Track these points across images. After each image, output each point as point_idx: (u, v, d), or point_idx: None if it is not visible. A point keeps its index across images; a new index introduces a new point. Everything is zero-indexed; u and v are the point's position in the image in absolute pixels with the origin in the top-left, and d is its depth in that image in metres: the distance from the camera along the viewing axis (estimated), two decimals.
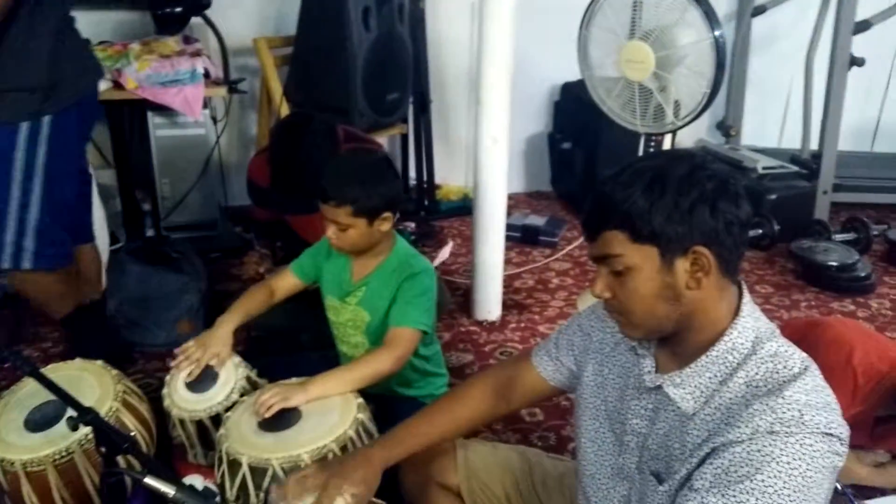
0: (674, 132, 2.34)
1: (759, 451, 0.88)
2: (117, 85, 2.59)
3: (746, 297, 1.01)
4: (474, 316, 2.55)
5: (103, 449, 1.21)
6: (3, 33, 1.71)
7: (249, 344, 2.19)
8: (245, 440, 1.44)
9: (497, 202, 2.42)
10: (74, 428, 1.22)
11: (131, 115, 2.88)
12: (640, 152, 2.44)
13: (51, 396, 1.54)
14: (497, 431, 1.96)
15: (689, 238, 0.93)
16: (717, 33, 2.06)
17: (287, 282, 1.82)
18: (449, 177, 3.71)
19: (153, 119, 2.79)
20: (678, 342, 1.02)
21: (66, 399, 1.25)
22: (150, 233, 2.99)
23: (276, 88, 2.94)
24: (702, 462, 0.94)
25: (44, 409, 1.52)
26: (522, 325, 2.54)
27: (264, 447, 1.41)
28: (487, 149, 2.35)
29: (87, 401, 1.51)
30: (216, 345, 1.66)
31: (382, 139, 3.27)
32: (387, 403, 1.73)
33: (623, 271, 0.97)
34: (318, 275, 1.81)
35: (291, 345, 2.32)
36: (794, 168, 3.30)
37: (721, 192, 0.93)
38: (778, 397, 0.90)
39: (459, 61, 3.59)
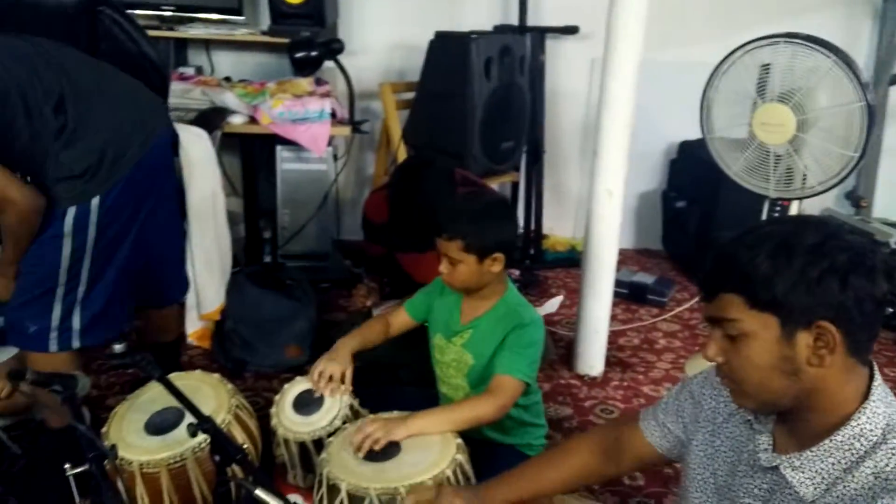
0: (801, 199, 2.24)
1: None
2: (252, 120, 2.78)
3: (878, 379, 0.93)
4: (576, 370, 2.50)
5: (217, 457, 1.27)
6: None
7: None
8: (345, 467, 1.46)
9: (608, 255, 2.38)
10: (193, 434, 1.29)
11: (262, 149, 3.07)
12: (764, 217, 2.34)
13: (171, 403, 1.64)
14: (595, 492, 1.89)
15: (813, 311, 0.87)
16: (869, 97, 1.97)
17: (401, 318, 1.86)
18: (556, 227, 3.69)
19: (281, 153, 2.96)
20: (798, 421, 0.96)
21: (188, 406, 1.32)
22: (267, 259, 3.15)
23: (396, 131, 3.06)
24: None
25: (164, 414, 1.61)
26: (625, 383, 2.46)
27: (363, 476, 1.42)
28: (602, 201, 2.33)
29: (203, 409, 1.60)
30: (342, 361, 1.71)
31: (494, 186, 3.30)
32: (483, 449, 1.70)
33: (738, 337, 0.92)
34: (428, 314, 1.84)
35: (390, 379, 2.35)
36: None
37: (855, 265, 0.87)
38: None
39: (575, 114, 3.61)
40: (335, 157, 3.19)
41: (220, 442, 1.25)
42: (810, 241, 0.88)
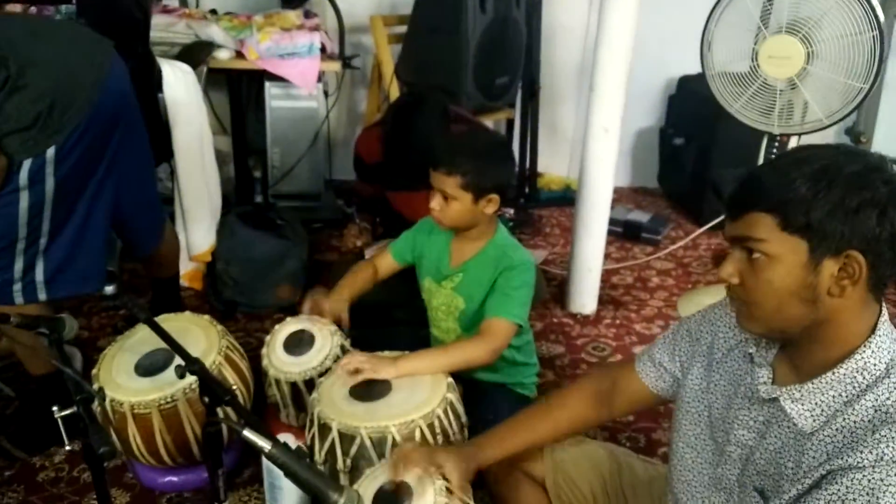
0: (802, 134, 2.19)
1: (881, 479, 0.81)
2: (239, 55, 2.69)
3: (885, 315, 0.92)
4: (568, 308, 2.50)
5: (206, 399, 1.27)
6: None
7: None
8: (336, 406, 1.47)
9: (602, 194, 2.35)
10: (181, 376, 1.28)
11: (249, 85, 2.99)
12: (763, 153, 2.30)
13: (161, 344, 1.62)
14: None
15: (846, 240, 0.85)
16: (881, 26, 1.90)
17: (387, 262, 1.85)
18: (551, 166, 3.64)
19: (270, 89, 2.88)
20: (802, 354, 0.95)
21: (175, 348, 1.30)
22: (258, 199, 3.11)
23: (388, 66, 2.97)
24: (815, 485, 0.87)
25: (153, 356, 1.61)
26: (618, 321, 2.46)
27: (354, 415, 1.43)
28: (597, 138, 2.28)
29: (193, 351, 1.58)
30: (339, 304, 1.72)
31: (488, 123, 3.24)
32: (475, 388, 1.72)
33: (760, 258, 0.90)
34: (414, 257, 1.82)
35: (385, 319, 2.35)
36: None
37: (894, 200, 0.84)
38: None
39: (572, 50, 3.51)
40: (326, 94, 3.11)
41: (209, 383, 1.24)
42: (852, 170, 0.85)
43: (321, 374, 1.62)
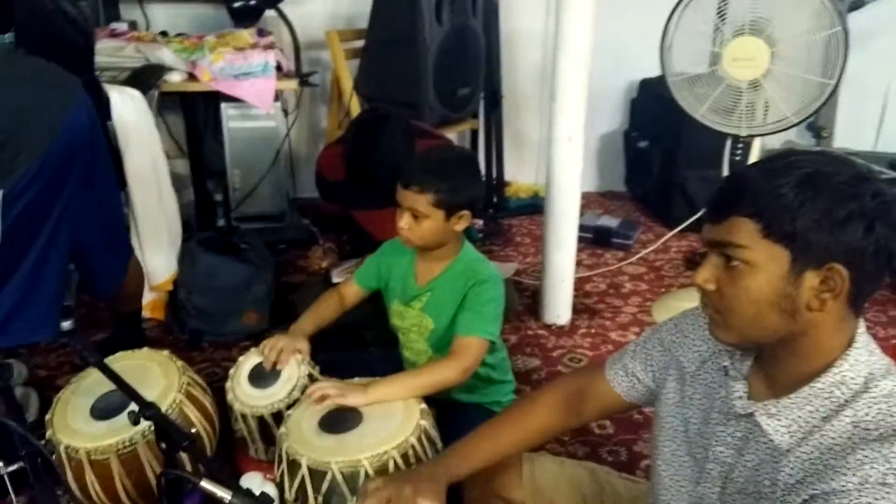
0: (766, 135, 2.19)
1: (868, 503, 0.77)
2: (192, 77, 2.61)
3: (862, 327, 0.89)
4: (543, 319, 2.46)
5: (163, 445, 1.20)
6: None
7: (312, 338, 2.17)
8: (305, 441, 1.41)
9: (570, 202, 2.32)
10: (135, 422, 1.22)
11: (205, 107, 2.91)
12: (727, 154, 2.29)
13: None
14: (564, 443, 1.87)
15: (830, 252, 0.81)
16: (843, 23, 1.90)
17: (353, 290, 1.80)
18: (519, 174, 3.62)
19: (227, 110, 2.81)
20: (778, 367, 0.91)
21: (128, 392, 1.23)
22: (220, 222, 3.03)
23: (347, 82, 2.92)
24: None
25: (110, 397, 1.52)
26: (593, 330, 2.43)
27: (324, 449, 1.36)
28: (561, 147, 2.25)
29: (151, 391, 1.53)
30: (299, 341, 1.65)
31: (452, 135, 3.20)
32: (450, 409, 1.66)
33: (739, 266, 0.86)
34: (380, 281, 1.77)
35: (355, 341, 2.29)
36: (893, 173, 3.05)
37: (883, 213, 0.81)
38: (893, 444, 0.79)
39: (533, 56, 3.50)
40: (285, 113, 3.04)
41: (165, 429, 1.17)
42: (841, 179, 0.82)
43: (289, 406, 1.56)
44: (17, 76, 1.60)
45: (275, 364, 1.63)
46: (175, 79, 2.56)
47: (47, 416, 1.52)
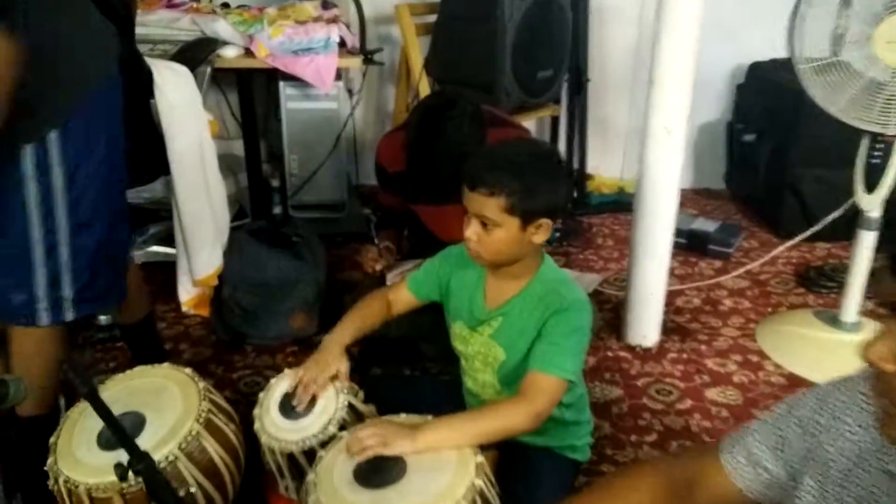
0: None
1: None
2: (248, 52, 2.40)
3: None
4: (626, 339, 2.14)
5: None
6: None
7: (361, 352, 1.93)
8: (336, 495, 1.17)
9: (666, 205, 1.99)
10: (122, 477, 1.00)
11: (264, 85, 2.71)
12: (863, 155, 1.90)
13: (134, 404, 1.37)
14: None
15: None
16: None
17: (403, 296, 1.54)
18: (602, 167, 3.27)
19: (285, 89, 2.60)
20: None
21: (120, 438, 1.02)
22: (277, 210, 2.83)
23: (417, 60, 2.66)
24: None
25: (122, 420, 1.30)
26: (685, 355, 2.09)
27: None
28: (658, 140, 1.92)
29: (166, 418, 1.31)
30: (334, 363, 1.39)
31: (530, 122, 2.90)
32: (514, 453, 1.40)
33: None
34: (440, 293, 1.50)
35: (410, 355, 2.05)
36: None
37: None
38: None
39: (626, 34, 3.12)
40: (349, 93, 2.81)
41: (156, 489, 0.95)
42: None
43: (323, 444, 1.32)
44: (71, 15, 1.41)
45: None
46: (230, 54, 2.36)
47: (52, 439, 1.33)
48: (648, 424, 1.80)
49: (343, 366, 1.40)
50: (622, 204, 3.11)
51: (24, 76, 1.21)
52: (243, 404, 1.76)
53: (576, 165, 3.09)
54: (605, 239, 2.87)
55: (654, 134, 1.92)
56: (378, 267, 2.00)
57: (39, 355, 1.47)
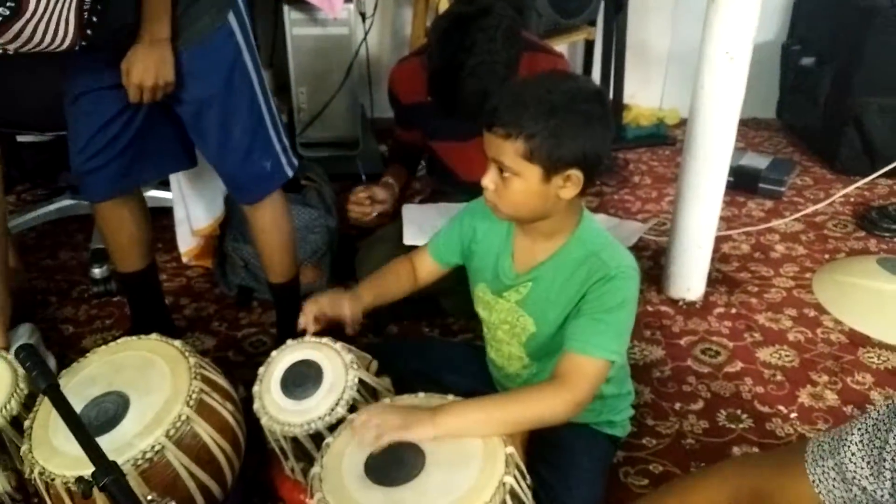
0: None
1: None
2: None
3: None
4: (668, 292, 1.94)
5: None
6: None
7: (375, 310, 1.76)
8: (344, 492, 1.03)
9: (721, 143, 1.75)
10: (85, 494, 0.85)
11: (262, 9, 2.46)
12: None
13: (116, 382, 1.21)
14: None
15: None
16: None
17: (426, 264, 1.37)
18: (640, 95, 2.99)
19: (289, 14, 2.34)
20: None
21: (85, 445, 0.86)
22: None
23: None
24: None
25: (103, 402, 1.17)
26: (734, 310, 1.89)
27: None
28: (717, 67, 1.66)
29: (153, 401, 1.16)
30: (344, 306, 1.28)
31: (562, 47, 2.62)
32: (543, 431, 1.22)
33: None
34: (462, 254, 1.31)
35: (429, 310, 1.87)
36: None
37: None
38: None
39: None
40: (362, 17, 2.54)
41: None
42: None
43: (331, 427, 1.16)
44: None
45: (317, 366, 1.22)
46: None
47: (26, 424, 1.18)
48: (694, 390, 1.62)
49: (354, 310, 1.27)
50: (661, 137, 2.86)
51: None
52: (248, 366, 1.63)
53: (611, 95, 2.81)
54: (642, 177, 2.62)
55: (712, 59, 1.66)
56: (374, 212, 1.75)
57: (287, 221, 1.63)
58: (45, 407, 1.19)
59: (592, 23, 2.67)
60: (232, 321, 1.88)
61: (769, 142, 2.86)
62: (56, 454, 1.11)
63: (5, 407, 1.21)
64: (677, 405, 1.58)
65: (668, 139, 2.85)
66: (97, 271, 1.95)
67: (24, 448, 1.15)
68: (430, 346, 1.69)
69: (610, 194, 2.49)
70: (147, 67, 1.29)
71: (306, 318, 1.27)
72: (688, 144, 1.79)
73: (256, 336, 1.83)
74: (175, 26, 1.31)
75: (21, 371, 1.24)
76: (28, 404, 1.23)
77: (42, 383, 0.91)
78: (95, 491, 1.05)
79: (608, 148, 1.14)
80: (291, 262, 1.69)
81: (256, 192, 1.54)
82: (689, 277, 1.91)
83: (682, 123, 2.73)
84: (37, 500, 1.28)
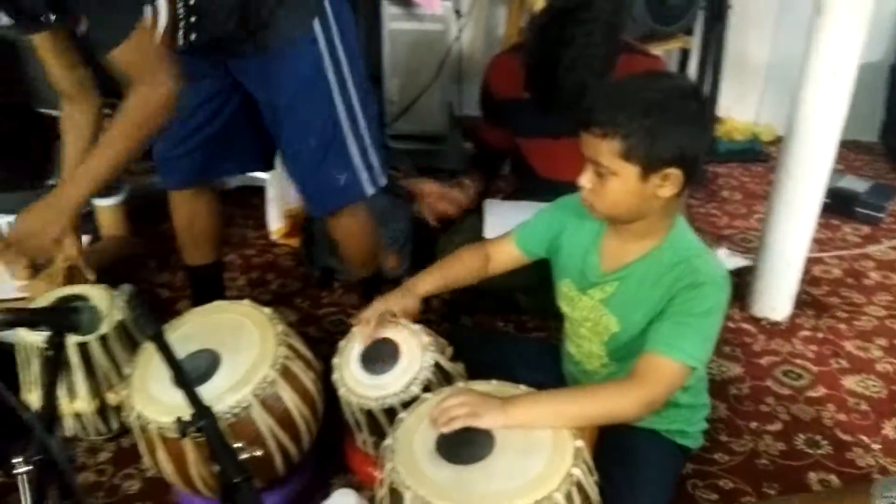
0: None
1: None
2: None
3: None
4: (751, 310, 1.89)
5: (216, 468, 0.88)
6: None
7: (451, 300, 1.79)
8: (414, 467, 1.05)
9: (820, 161, 1.70)
10: (182, 433, 0.91)
11: (363, 2, 2.52)
12: None
13: (210, 340, 1.29)
14: None
15: None
16: None
17: (507, 251, 1.37)
18: (735, 109, 2.92)
19: (388, 8, 2.41)
20: None
21: (186, 390, 0.92)
22: None
23: None
24: None
25: (197, 359, 1.24)
26: (820, 334, 1.82)
27: (436, 486, 1.01)
28: (821, 83, 1.61)
29: (241, 360, 1.23)
30: (398, 302, 1.30)
31: (657, 52, 2.58)
32: (613, 432, 1.22)
33: None
34: (550, 248, 1.32)
35: (504, 306, 1.89)
36: None
37: None
38: None
39: None
40: (457, 14, 2.58)
41: (220, 452, 0.85)
42: None
43: (405, 404, 1.20)
44: None
45: (395, 345, 1.27)
46: None
47: (126, 371, 1.27)
48: (772, 411, 1.58)
49: (408, 304, 1.29)
50: (754, 153, 2.79)
51: None
52: (327, 343, 1.68)
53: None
54: (731, 192, 2.56)
55: (815, 75, 1.61)
56: (450, 210, 1.78)
57: (366, 233, 1.65)
58: (144, 356, 1.28)
59: (689, 31, 2.62)
60: (314, 299, 1.96)
61: (870, 166, 2.74)
62: (153, 401, 1.19)
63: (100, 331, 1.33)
64: (753, 424, 1.54)
65: (761, 155, 2.77)
66: None
67: (123, 393, 1.24)
68: (504, 339, 1.71)
69: (696, 206, 2.44)
70: (32, 228, 1.21)
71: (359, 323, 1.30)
72: (784, 161, 1.74)
73: (336, 315, 1.90)
74: (257, 27, 1.31)
75: (122, 304, 1.37)
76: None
77: (149, 330, 0.98)
78: (186, 442, 1.14)
79: (706, 146, 1.13)
80: (370, 262, 1.70)
81: (326, 203, 1.54)
82: (776, 297, 1.86)
83: (778, 141, 2.65)
84: (125, 437, 1.40)
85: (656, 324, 1.12)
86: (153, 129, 1.22)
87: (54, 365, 0.99)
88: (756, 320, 1.87)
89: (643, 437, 1.26)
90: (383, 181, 1.56)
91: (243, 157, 1.59)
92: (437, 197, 1.80)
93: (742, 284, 1.94)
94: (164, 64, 1.19)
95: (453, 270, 1.36)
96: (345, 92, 1.44)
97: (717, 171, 2.69)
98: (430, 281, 1.34)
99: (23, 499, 0.85)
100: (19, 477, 0.85)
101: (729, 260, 1.91)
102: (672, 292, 1.11)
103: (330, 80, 1.41)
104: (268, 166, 1.67)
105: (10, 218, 1.74)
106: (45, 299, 1.38)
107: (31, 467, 0.84)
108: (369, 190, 1.53)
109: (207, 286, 1.73)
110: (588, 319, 1.25)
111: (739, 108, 2.92)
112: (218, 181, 1.70)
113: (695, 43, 2.69)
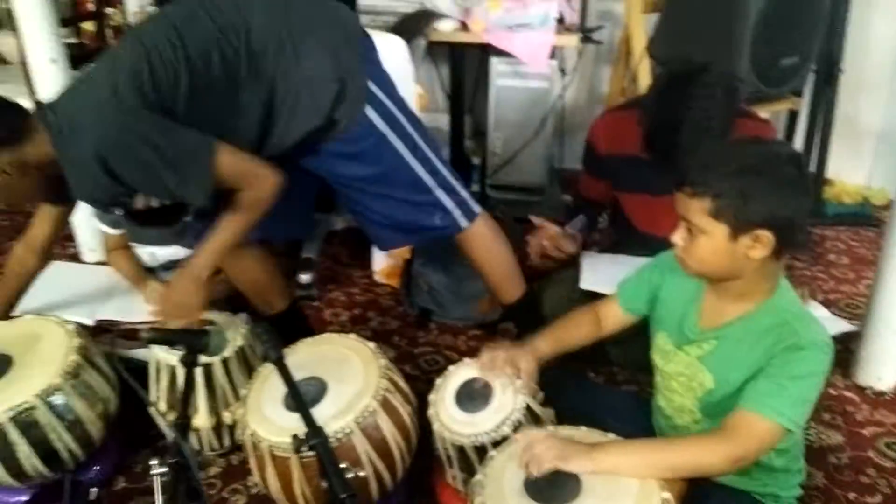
0: None
1: None
2: (464, 26, 2.37)
3: None
4: (854, 378, 1.83)
5: (324, 485, 0.97)
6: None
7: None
8: (502, 501, 1.10)
9: None
10: (297, 449, 1.01)
11: (474, 60, 2.67)
12: None
13: (318, 370, 1.39)
14: None
15: None
16: None
17: (614, 312, 1.41)
18: (845, 172, 2.83)
19: (496, 66, 2.54)
20: None
21: (301, 411, 1.02)
22: (475, 188, 2.80)
23: (639, 40, 2.45)
24: None
25: (307, 386, 1.35)
26: None
27: None
28: None
29: (345, 390, 1.32)
30: (522, 361, 1.33)
31: (764, 114, 2.57)
32: (704, 490, 1.22)
33: None
34: (649, 304, 1.35)
35: (595, 356, 1.91)
36: None
37: None
38: None
39: (891, 25, 2.65)
40: (562, 72, 2.68)
41: (329, 469, 0.94)
42: None
43: (495, 443, 1.25)
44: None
45: (488, 385, 1.33)
46: (446, 27, 2.34)
47: (243, 392, 1.40)
48: (873, 483, 1.51)
49: (529, 365, 1.32)
50: (865, 217, 2.69)
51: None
52: (421, 381, 1.76)
53: (813, 168, 2.70)
54: (839, 256, 2.48)
55: None
56: (556, 254, 1.84)
57: (499, 249, 1.76)
58: (260, 379, 1.41)
59: (797, 92, 2.60)
60: (411, 338, 2.05)
61: None
62: (266, 421, 1.31)
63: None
64: (851, 495, 1.49)
65: (872, 220, 2.67)
66: (304, 277, 2.22)
67: (240, 412, 1.36)
68: (595, 389, 1.73)
69: (801, 269, 2.38)
70: (181, 300, 1.45)
71: (481, 365, 1.35)
72: (893, 225, 1.70)
73: (431, 355, 1.98)
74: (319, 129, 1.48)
75: (242, 331, 1.54)
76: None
77: (273, 355, 1.09)
78: (293, 460, 1.25)
79: (803, 213, 1.14)
80: (513, 283, 1.79)
81: (422, 240, 1.71)
82: (882, 366, 1.79)
83: (890, 205, 2.55)
84: (234, 454, 1.53)
85: (752, 382, 1.13)
86: (264, 213, 1.45)
87: (190, 380, 1.12)
88: (860, 389, 1.80)
89: (735, 499, 1.25)
90: (477, 208, 1.68)
91: (287, 222, 1.71)
92: (552, 237, 1.86)
93: (846, 351, 1.88)
94: (259, 165, 1.41)
95: (569, 333, 1.41)
96: (416, 151, 1.58)
97: (824, 233, 2.61)
98: (548, 345, 1.38)
99: (156, 498, 0.96)
100: (155, 478, 0.97)
101: (832, 324, 1.85)
102: (771, 353, 1.12)
103: (398, 148, 1.55)
104: (307, 232, 1.86)
105: (151, 249, 1.98)
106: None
107: (166, 469, 0.95)
108: (463, 223, 1.66)
109: (288, 331, 1.73)
110: (682, 374, 1.26)
111: (850, 171, 2.83)
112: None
113: (804, 104, 2.66)
